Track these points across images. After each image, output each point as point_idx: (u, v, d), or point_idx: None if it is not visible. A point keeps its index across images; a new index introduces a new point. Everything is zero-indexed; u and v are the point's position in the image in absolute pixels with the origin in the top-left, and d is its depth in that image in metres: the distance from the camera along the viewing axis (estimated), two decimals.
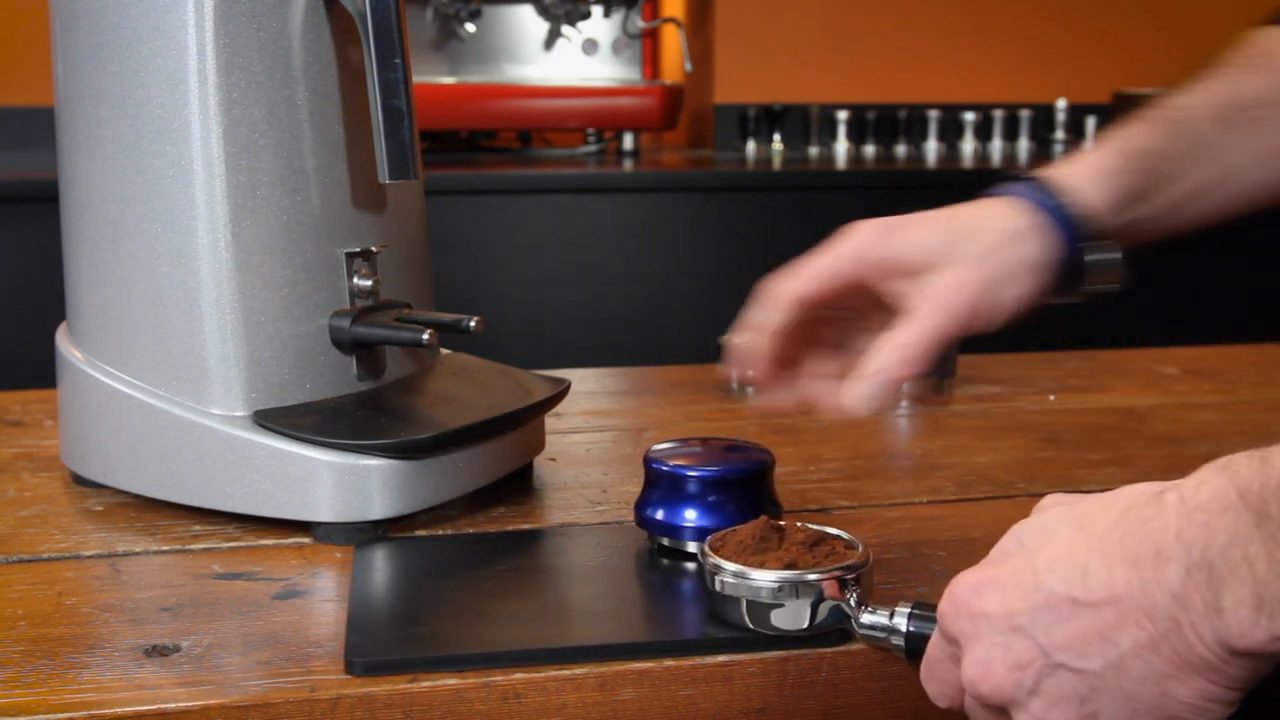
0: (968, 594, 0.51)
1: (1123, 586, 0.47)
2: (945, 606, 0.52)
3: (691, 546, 0.69)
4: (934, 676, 0.55)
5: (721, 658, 0.60)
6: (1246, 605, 0.45)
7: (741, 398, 1.09)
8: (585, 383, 1.13)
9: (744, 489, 0.70)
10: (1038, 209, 0.67)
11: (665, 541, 0.71)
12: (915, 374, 0.63)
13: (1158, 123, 0.72)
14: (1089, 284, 0.70)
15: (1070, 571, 0.49)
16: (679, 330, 2.13)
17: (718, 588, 0.61)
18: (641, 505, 0.72)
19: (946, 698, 0.54)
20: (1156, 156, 0.70)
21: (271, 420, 0.75)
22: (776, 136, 2.78)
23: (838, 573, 0.60)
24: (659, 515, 0.70)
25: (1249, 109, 0.73)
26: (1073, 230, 0.67)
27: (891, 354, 0.63)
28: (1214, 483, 0.47)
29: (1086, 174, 0.68)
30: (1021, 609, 0.50)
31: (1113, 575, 0.48)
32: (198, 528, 0.77)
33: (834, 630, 0.61)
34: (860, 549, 0.62)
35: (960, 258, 0.65)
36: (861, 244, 0.66)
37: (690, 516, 0.69)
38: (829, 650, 0.61)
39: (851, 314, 0.69)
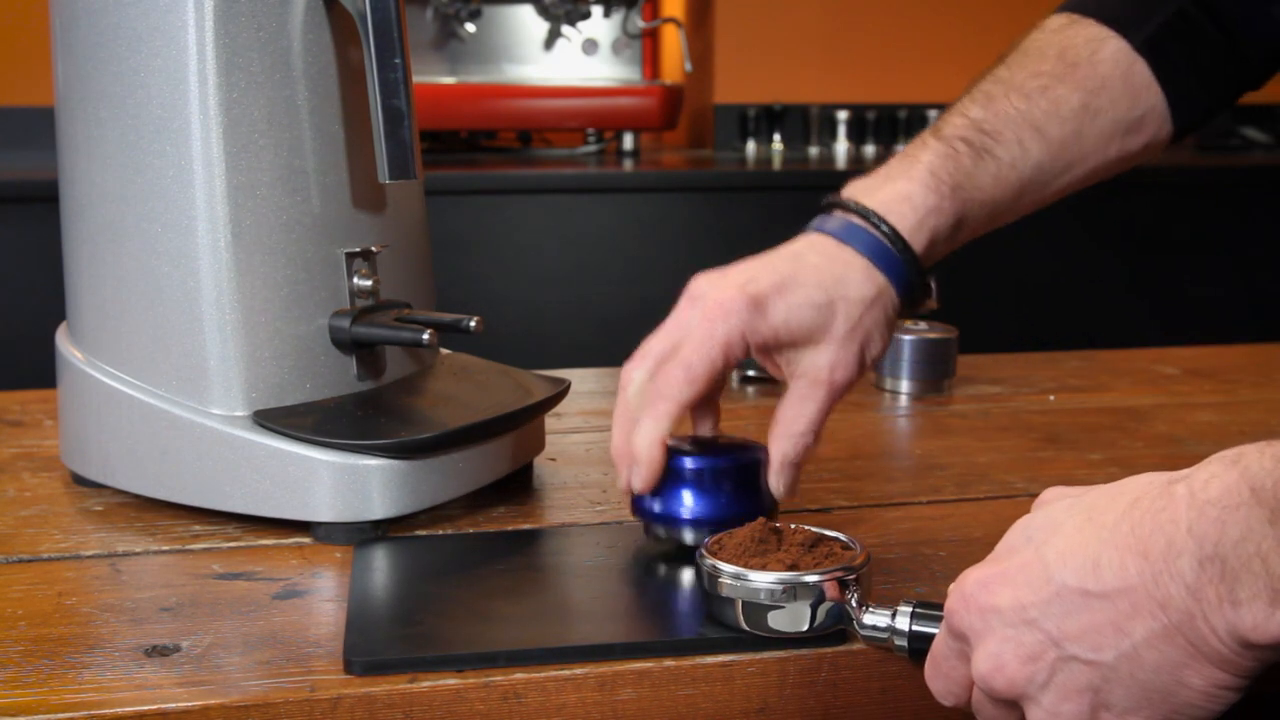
0: (977, 589, 0.52)
1: (1135, 577, 0.48)
2: (954, 603, 0.53)
3: (689, 537, 0.69)
4: (941, 674, 0.55)
5: (721, 658, 0.60)
6: (1262, 599, 0.45)
7: (742, 397, 1.09)
8: (585, 383, 1.13)
9: (738, 481, 0.70)
10: (883, 271, 0.71)
11: (661, 533, 0.70)
12: (813, 449, 0.70)
13: (973, 151, 0.74)
14: (914, 312, 0.75)
15: (1081, 563, 0.49)
16: None
17: (717, 590, 0.61)
18: (638, 497, 0.71)
19: (953, 695, 0.55)
20: (972, 191, 0.74)
21: (271, 420, 0.75)
22: (776, 136, 2.78)
23: (838, 574, 0.60)
24: (655, 506, 0.70)
25: (1059, 122, 0.77)
26: (909, 281, 0.72)
27: (791, 442, 0.70)
28: (1225, 477, 0.47)
29: (910, 218, 0.72)
30: (1032, 602, 0.50)
31: (1125, 566, 0.48)
32: (198, 528, 0.77)
33: (834, 631, 0.61)
34: (859, 550, 0.63)
35: (831, 334, 0.70)
36: (732, 333, 0.68)
37: (687, 504, 0.69)
38: (829, 650, 0.61)
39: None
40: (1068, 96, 0.77)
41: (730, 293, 0.68)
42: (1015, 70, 0.78)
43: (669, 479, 0.70)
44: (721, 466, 0.69)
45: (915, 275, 0.72)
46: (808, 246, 0.72)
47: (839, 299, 0.70)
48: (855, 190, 0.74)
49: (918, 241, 0.72)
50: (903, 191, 0.72)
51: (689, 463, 0.69)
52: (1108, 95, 0.78)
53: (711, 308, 0.68)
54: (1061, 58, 0.78)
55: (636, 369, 0.70)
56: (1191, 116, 0.81)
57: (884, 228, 0.71)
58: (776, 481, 0.70)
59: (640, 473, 0.69)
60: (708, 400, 0.72)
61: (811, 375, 0.70)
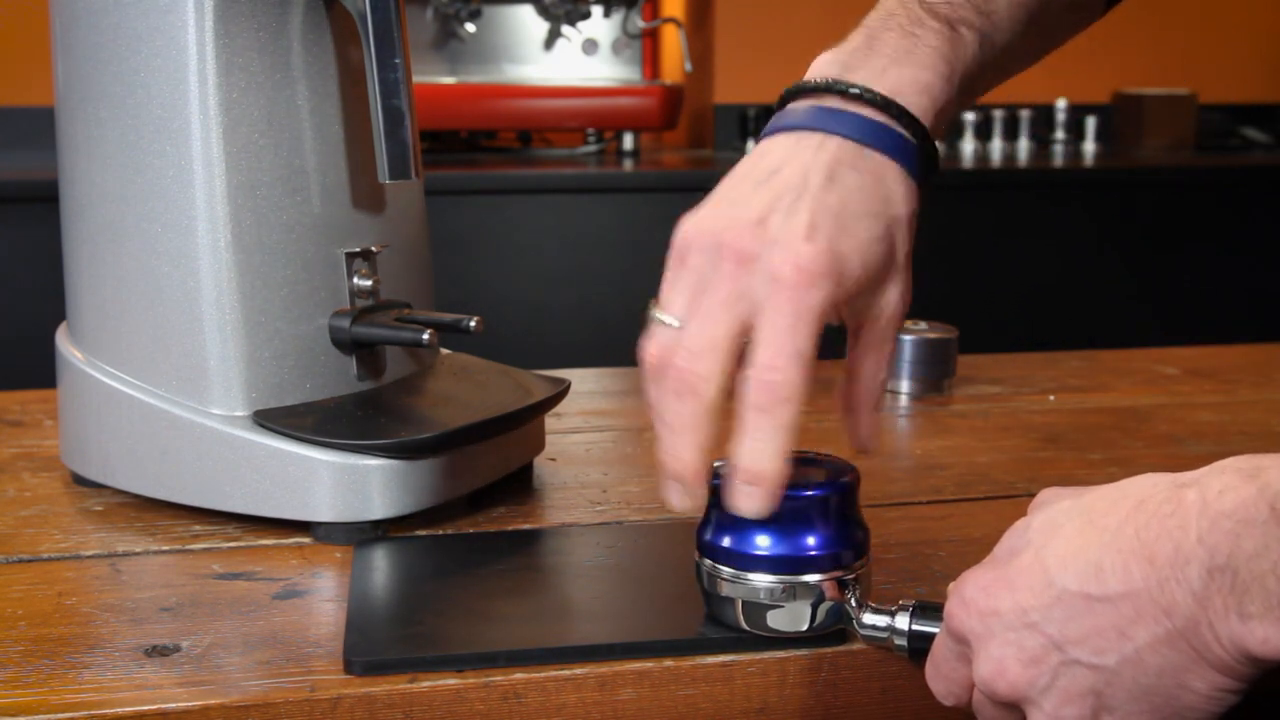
0: (977, 593, 0.51)
1: (1139, 581, 0.47)
2: (953, 606, 0.52)
3: (764, 579, 0.59)
4: (941, 676, 0.55)
5: (721, 658, 0.60)
6: (1274, 615, 0.45)
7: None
8: (585, 383, 1.13)
9: (828, 510, 0.60)
10: (914, 176, 0.61)
11: (728, 574, 0.60)
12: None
13: (976, 37, 0.64)
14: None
15: (1083, 567, 0.49)
16: None
17: (717, 590, 0.61)
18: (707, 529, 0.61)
19: (954, 696, 0.54)
20: (971, 81, 0.65)
21: (271, 420, 0.75)
22: None
23: (837, 573, 0.60)
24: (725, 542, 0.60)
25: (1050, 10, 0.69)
26: (929, 179, 0.62)
27: (880, 389, 0.63)
28: (1242, 491, 0.46)
29: (930, 112, 0.61)
30: (1034, 605, 0.49)
31: (1129, 570, 0.47)
32: (198, 528, 0.77)
33: (834, 630, 0.61)
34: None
35: (894, 265, 0.60)
36: (826, 302, 0.56)
37: (801, 542, 0.59)
38: (829, 650, 0.61)
39: None
40: None
41: (805, 251, 0.55)
42: None
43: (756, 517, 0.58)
44: (816, 496, 0.59)
45: (933, 170, 0.62)
46: (833, 159, 0.59)
47: (892, 222, 0.59)
48: (849, 70, 0.61)
49: (932, 124, 0.62)
50: (919, 81, 0.61)
51: (802, 492, 0.59)
52: None
53: (793, 274, 0.55)
54: None
55: (706, 365, 0.56)
56: None
57: (911, 125, 0.60)
58: (868, 431, 0.63)
59: (770, 493, 0.56)
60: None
61: (886, 315, 0.61)
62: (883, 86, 0.60)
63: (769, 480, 0.56)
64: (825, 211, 0.57)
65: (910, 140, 0.60)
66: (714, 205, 0.60)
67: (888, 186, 0.59)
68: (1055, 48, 0.74)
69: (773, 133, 0.61)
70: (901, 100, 0.60)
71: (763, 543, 0.59)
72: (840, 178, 0.58)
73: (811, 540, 0.59)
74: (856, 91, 0.60)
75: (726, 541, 0.59)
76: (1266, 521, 0.45)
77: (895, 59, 0.61)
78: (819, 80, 0.61)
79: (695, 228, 0.59)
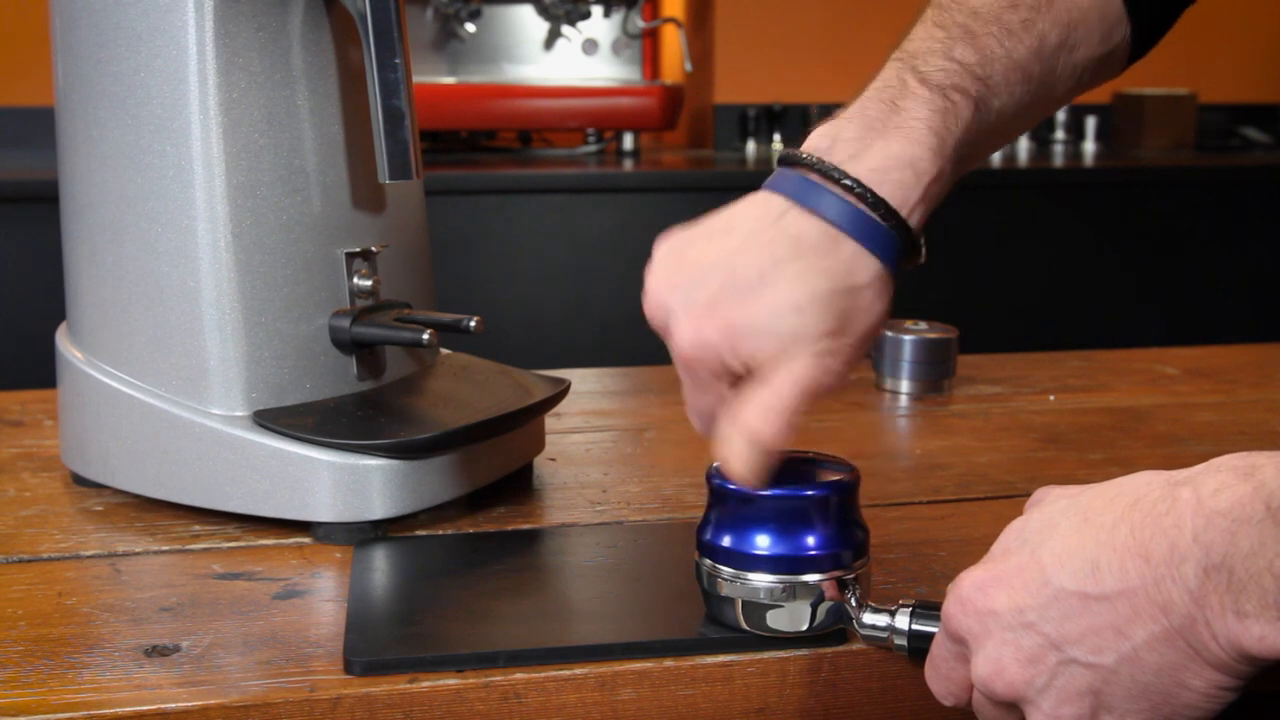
0: (973, 593, 0.51)
1: (1136, 580, 0.47)
2: (951, 606, 0.52)
3: (764, 579, 0.60)
4: (940, 675, 0.55)
5: (721, 658, 0.60)
6: (1271, 614, 0.45)
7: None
8: (585, 383, 1.13)
9: (828, 509, 0.60)
10: (878, 258, 0.61)
11: (728, 574, 0.60)
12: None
13: (971, 104, 0.64)
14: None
15: (1079, 566, 0.49)
16: None
17: (717, 590, 0.61)
18: (707, 530, 0.61)
19: (953, 696, 0.54)
20: (967, 148, 0.65)
21: (271, 420, 0.75)
22: (776, 136, 2.78)
23: (837, 573, 0.60)
24: (725, 542, 0.60)
25: (1041, 61, 0.68)
26: (903, 261, 0.63)
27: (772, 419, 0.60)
28: (1238, 489, 0.46)
29: (914, 188, 0.62)
30: (1031, 605, 0.49)
31: (1125, 569, 0.48)
32: (198, 528, 0.77)
33: (834, 630, 0.61)
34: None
35: (846, 337, 0.60)
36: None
37: (762, 545, 0.59)
38: (829, 650, 0.61)
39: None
40: (1048, 33, 0.68)
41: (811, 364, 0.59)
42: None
43: (748, 514, 0.59)
44: (816, 496, 0.59)
45: (911, 254, 0.62)
46: (796, 238, 0.60)
47: (855, 308, 0.60)
48: (837, 144, 0.62)
49: (917, 215, 0.62)
50: (905, 155, 0.61)
51: (774, 492, 0.59)
52: (1084, 30, 0.70)
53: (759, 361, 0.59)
54: None
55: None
56: (1147, 46, 0.74)
57: (880, 208, 0.60)
58: (727, 451, 0.60)
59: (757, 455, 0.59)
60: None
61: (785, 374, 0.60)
62: (860, 167, 0.61)
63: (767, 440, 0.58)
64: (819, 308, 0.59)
65: (880, 224, 0.60)
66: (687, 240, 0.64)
67: (853, 269, 0.60)
68: (1063, 104, 0.73)
69: (764, 190, 0.63)
70: (880, 177, 0.60)
71: (763, 543, 0.59)
72: (834, 269, 0.60)
73: (811, 540, 0.59)
74: (833, 174, 0.60)
75: (726, 541, 0.59)
76: (1262, 520, 0.45)
77: (883, 133, 0.62)
78: (807, 158, 0.62)
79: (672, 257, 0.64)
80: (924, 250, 0.63)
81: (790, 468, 0.61)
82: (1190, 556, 0.46)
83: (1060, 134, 2.86)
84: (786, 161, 0.63)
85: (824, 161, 0.61)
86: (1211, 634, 0.46)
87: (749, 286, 0.59)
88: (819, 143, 0.62)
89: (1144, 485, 0.50)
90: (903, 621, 0.58)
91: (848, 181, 0.60)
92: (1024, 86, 0.67)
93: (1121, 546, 0.48)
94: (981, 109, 0.65)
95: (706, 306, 0.60)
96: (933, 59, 0.65)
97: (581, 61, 2.62)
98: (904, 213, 0.61)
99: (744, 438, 0.59)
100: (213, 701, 0.56)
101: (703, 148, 2.91)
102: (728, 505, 0.60)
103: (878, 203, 0.60)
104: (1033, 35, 0.67)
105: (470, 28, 2.53)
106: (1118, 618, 0.48)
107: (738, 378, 0.61)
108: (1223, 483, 0.47)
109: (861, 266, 0.60)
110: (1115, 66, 0.73)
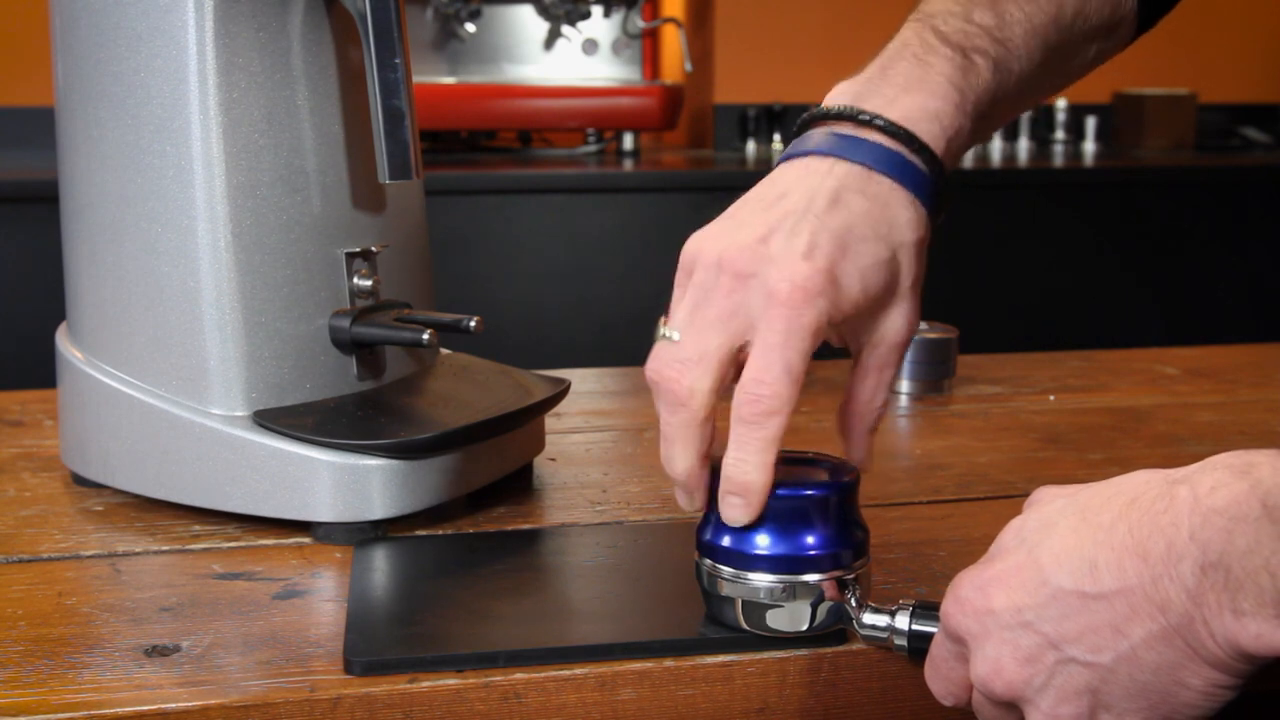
0: (972, 592, 0.51)
1: (1134, 578, 0.47)
2: (949, 606, 0.52)
3: (764, 579, 0.59)
4: (940, 675, 0.55)
5: (721, 658, 0.60)
6: (1267, 612, 0.45)
7: None
8: (585, 383, 1.13)
9: (840, 510, 0.60)
10: (924, 203, 0.61)
11: (728, 573, 0.60)
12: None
13: (990, 64, 0.64)
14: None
15: (1077, 565, 0.49)
16: None
17: (717, 590, 0.61)
18: (707, 529, 0.61)
19: (953, 696, 0.55)
20: (986, 109, 0.65)
21: (271, 420, 0.75)
22: (776, 136, 2.78)
23: (837, 573, 0.60)
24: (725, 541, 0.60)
25: (1058, 30, 0.68)
26: (940, 209, 0.62)
27: (875, 415, 0.62)
28: (1234, 487, 0.46)
29: (940, 139, 0.61)
30: (1029, 604, 0.50)
31: (1123, 568, 0.48)
32: (198, 528, 0.77)
33: (834, 630, 0.61)
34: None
35: (899, 290, 0.60)
36: (820, 320, 0.57)
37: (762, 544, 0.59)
38: (829, 650, 0.61)
39: None
40: (1067, 1, 0.68)
41: (802, 269, 0.56)
42: None
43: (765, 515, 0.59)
44: (815, 496, 0.59)
45: (944, 199, 0.62)
46: (840, 183, 0.59)
47: (897, 247, 0.59)
48: (862, 98, 0.61)
49: (945, 155, 0.62)
50: (929, 108, 0.61)
51: (774, 492, 0.58)
52: (1097, 1, 0.70)
53: (789, 291, 0.56)
54: None
55: (694, 377, 0.57)
56: (1154, 16, 0.75)
57: (922, 152, 0.60)
58: (866, 455, 0.62)
59: (752, 504, 0.57)
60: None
61: (889, 340, 0.61)
62: (893, 114, 0.60)
63: (753, 491, 0.57)
64: (826, 233, 0.57)
65: (921, 168, 0.60)
66: (720, 224, 0.60)
67: (894, 211, 0.59)
68: (1076, 78, 0.74)
69: (785, 159, 0.62)
70: (911, 127, 0.60)
71: (762, 542, 0.59)
72: (845, 202, 0.59)
73: (811, 540, 0.59)
74: (867, 118, 0.60)
75: (726, 541, 0.59)
76: (1259, 518, 0.45)
77: (906, 87, 0.61)
78: (832, 108, 0.62)
79: (699, 245, 0.59)
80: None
81: (790, 468, 0.61)
82: (1187, 555, 0.46)
83: (1060, 134, 2.86)
84: (815, 119, 0.62)
85: (859, 109, 0.60)
86: (1209, 632, 0.46)
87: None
88: (841, 99, 0.62)
89: (1142, 484, 0.50)
90: (903, 621, 0.58)
91: (891, 128, 0.60)
92: (1042, 53, 0.67)
93: (1119, 545, 0.48)
94: (1000, 71, 0.65)
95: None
96: (952, 20, 0.65)
97: (581, 61, 2.62)
98: (936, 151, 0.61)
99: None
100: (213, 701, 0.56)
101: (703, 148, 2.91)
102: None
103: (919, 145, 0.60)
104: (1052, 3, 0.67)
105: (470, 28, 2.53)
106: (1115, 616, 0.48)
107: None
108: (1219, 481, 0.47)
109: (913, 215, 0.60)
110: (1123, 39, 0.74)
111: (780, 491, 0.58)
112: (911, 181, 0.60)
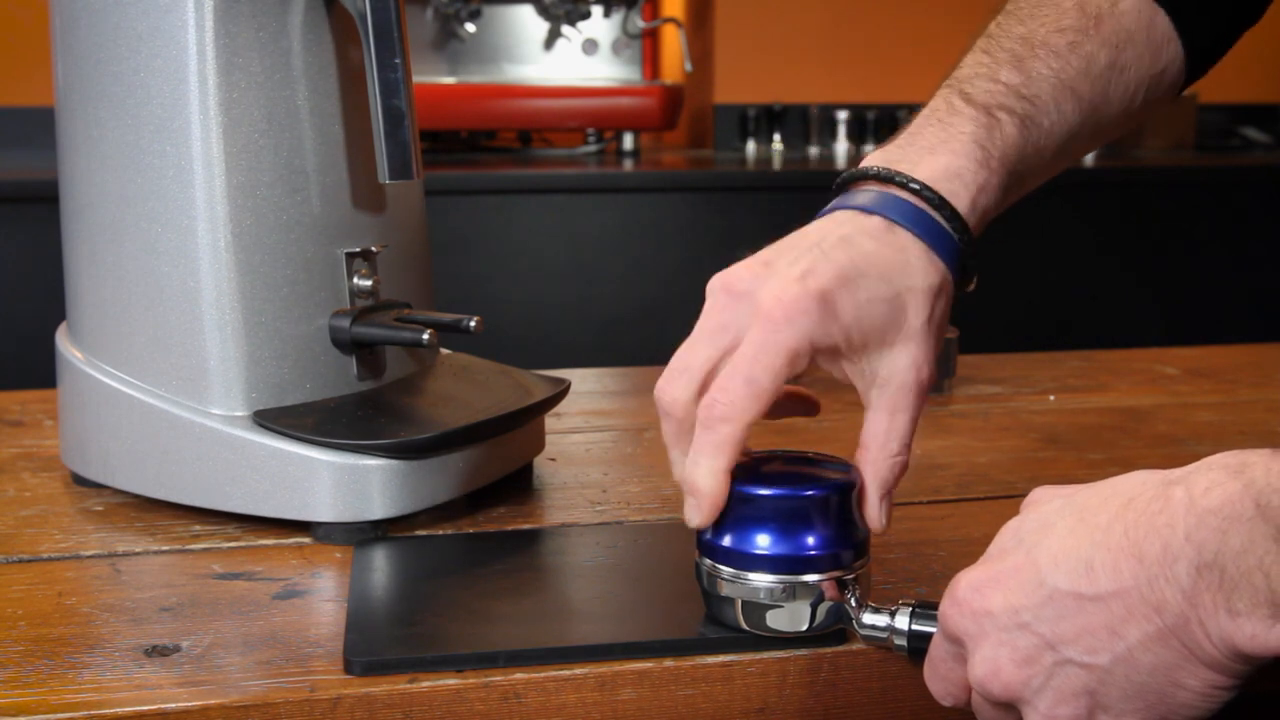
0: (969, 593, 0.51)
1: (1129, 580, 0.47)
2: (947, 606, 0.52)
3: (764, 582, 0.59)
4: (939, 676, 0.55)
5: (721, 658, 0.60)
6: (1262, 612, 0.45)
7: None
8: (585, 383, 1.13)
9: (837, 511, 0.59)
10: (942, 257, 0.62)
11: (728, 574, 0.60)
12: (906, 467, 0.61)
13: (1017, 121, 0.67)
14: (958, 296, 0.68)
15: (1074, 566, 0.49)
16: (679, 330, 2.13)
17: (717, 590, 0.61)
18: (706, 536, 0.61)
19: (952, 696, 0.55)
20: (1016, 164, 0.67)
21: (271, 420, 0.75)
22: (776, 136, 2.79)
23: (837, 573, 0.60)
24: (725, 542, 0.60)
25: (1090, 82, 0.70)
26: (963, 267, 0.64)
27: (889, 465, 0.61)
28: (1228, 487, 0.46)
29: (963, 197, 0.64)
30: (1026, 605, 0.50)
31: (1119, 569, 0.48)
32: (198, 528, 0.77)
33: (834, 630, 0.61)
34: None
35: (905, 331, 0.61)
36: (800, 339, 0.58)
37: (763, 543, 0.59)
38: (829, 650, 0.61)
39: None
40: (1096, 54, 0.69)
41: (792, 289, 0.58)
42: (1034, 24, 0.69)
43: (748, 514, 0.59)
44: (815, 496, 0.59)
45: (969, 258, 0.64)
46: (855, 229, 0.61)
47: (905, 291, 0.60)
48: (890, 161, 0.64)
49: (970, 222, 0.64)
50: (951, 167, 0.63)
51: (774, 492, 0.58)
52: (1133, 51, 0.71)
53: (771, 307, 0.58)
54: (1081, 9, 0.70)
55: (678, 387, 0.59)
56: (1204, 66, 0.76)
57: (944, 209, 0.62)
58: (877, 514, 0.60)
59: (702, 507, 0.59)
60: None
61: (898, 380, 0.60)
62: (919, 174, 0.63)
63: (701, 494, 0.58)
64: (828, 263, 0.59)
65: (940, 223, 0.62)
66: (741, 261, 0.63)
67: (906, 258, 0.61)
68: (1124, 128, 0.74)
69: (817, 216, 0.64)
70: (934, 185, 0.62)
71: (763, 542, 0.59)
72: (857, 243, 0.61)
73: (811, 540, 0.59)
74: (891, 177, 0.63)
75: (727, 541, 0.59)
76: (1252, 518, 0.45)
77: (931, 149, 0.64)
78: (864, 169, 0.64)
79: (717, 278, 0.62)
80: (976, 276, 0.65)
81: (790, 468, 0.61)
82: (1183, 555, 0.46)
83: None
84: (848, 181, 0.65)
85: (888, 169, 0.63)
86: (1205, 633, 0.46)
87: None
88: (872, 163, 0.65)
89: (1138, 485, 0.50)
90: (902, 622, 0.58)
91: (915, 185, 0.62)
92: (1074, 105, 0.69)
93: (1116, 546, 0.48)
94: (1029, 127, 0.67)
95: None
96: (979, 82, 0.67)
97: (581, 61, 2.62)
98: (961, 212, 0.63)
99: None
100: (213, 701, 0.56)
101: (703, 148, 2.91)
102: (729, 505, 0.59)
103: (942, 203, 0.62)
104: (1080, 56, 0.69)
105: (470, 28, 2.53)
106: (1112, 618, 0.48)
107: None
108: (1214, 481, 0.47)
109: (926, 264, 0.62)
110: (1170, 87, 0.75)
111: (780, 491, 0.58)
112: (929, 234, 0.62)
